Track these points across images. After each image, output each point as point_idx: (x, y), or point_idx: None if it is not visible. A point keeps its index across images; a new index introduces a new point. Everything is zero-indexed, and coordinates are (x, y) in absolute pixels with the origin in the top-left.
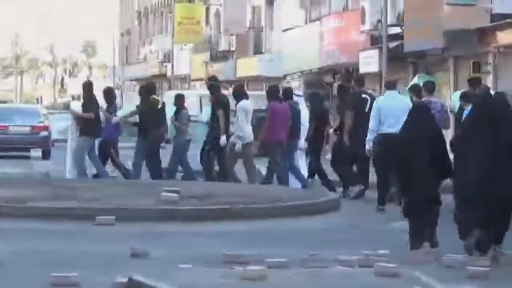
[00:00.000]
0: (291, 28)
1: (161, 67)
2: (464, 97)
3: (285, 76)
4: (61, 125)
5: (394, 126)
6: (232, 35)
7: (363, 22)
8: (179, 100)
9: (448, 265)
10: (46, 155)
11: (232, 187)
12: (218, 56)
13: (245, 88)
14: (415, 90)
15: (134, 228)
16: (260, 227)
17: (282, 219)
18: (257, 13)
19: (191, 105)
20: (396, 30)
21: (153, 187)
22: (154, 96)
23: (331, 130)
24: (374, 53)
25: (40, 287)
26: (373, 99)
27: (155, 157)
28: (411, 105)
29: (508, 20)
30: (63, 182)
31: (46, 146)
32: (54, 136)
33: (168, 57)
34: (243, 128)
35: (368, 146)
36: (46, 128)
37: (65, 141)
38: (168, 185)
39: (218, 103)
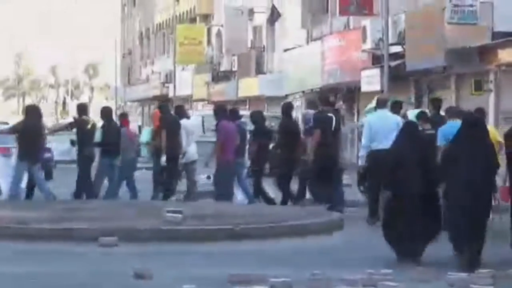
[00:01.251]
0: (292, 48)
1: (162, 88)
2: (421, 117)
3: (287, 96)
4: (63, 146)
5: (383, 142)
6: (233, 55)
7: (364, 41)
8: (121, 119)
9: (451, 284)
10: (48, 176)
11: (234, 208)
12: (220, 77)
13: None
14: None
15: (137, 248)
16: (263, 247)
17: (285, 238)
18: (258, 33)
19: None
20: (398, 49)
21: (156, 208)
22: (85, 117)
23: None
24: (376, 72)
25: None
26: (338, 117)
27: (85, 176)
28: (400, 123)
29: (509, 38)
30: (66, 204)
31: (49, 168)
32: (56, 157)
33: (170, 78)
34: (184, 147)
35: (361, 161)
36: (48, 150)
37: (68, 162)
38: (170, 205)
39: (163, 123)
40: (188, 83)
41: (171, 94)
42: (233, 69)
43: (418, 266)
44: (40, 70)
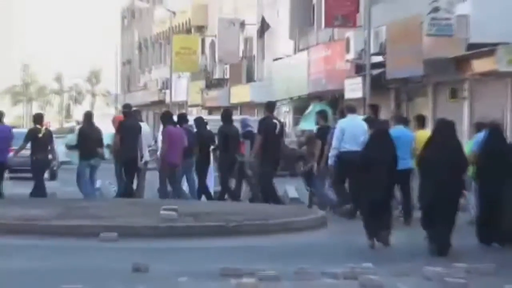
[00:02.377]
0: (281, 58)
1: (160, 94)
2: (366, 122)
3: (275, 102)
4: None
5: (352, 145)
6: (226, 64)
7: (348, 51)
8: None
9: (428, 277)
10: (53, 177)
11: (225, 206)
12: (213, 84)
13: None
14: (322, 114)
15: (135, 244)
16: (253, 242)
17: (273, 235)
18: (249, 43)
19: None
20: (379, 59)
21: (153, 206)
22: (38, 125)
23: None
24: (358, 80)
25: None
26: (282, 124)
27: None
28: (366, 127)
29: (483, 50)
30: (69, 202)
31: (53, 168)
32: (60, 158)
33: (166, 85)
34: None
35: (330, 161)
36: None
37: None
38: (166, 204)
39: (120, 128)
40: (183, 89)
41: (167, 100)
42: (226, 77)
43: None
44: (45, 78)
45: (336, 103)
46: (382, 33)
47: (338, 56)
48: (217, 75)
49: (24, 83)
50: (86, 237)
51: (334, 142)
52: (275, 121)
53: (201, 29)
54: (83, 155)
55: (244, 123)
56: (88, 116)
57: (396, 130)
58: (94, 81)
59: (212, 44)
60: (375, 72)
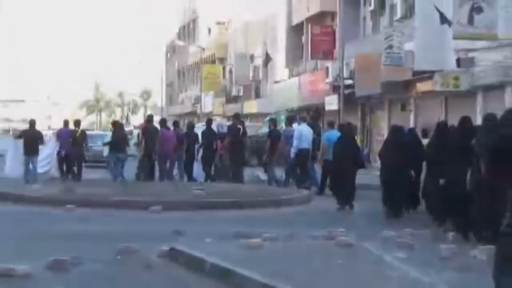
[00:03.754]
0: (279, 81)
1: (192, 107)
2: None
3: (275, 113)
4: None
5: (306, 144)
6: (240, 85)
7: (327, 76)
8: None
9: (385, 239)
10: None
11: (238, 187)
12: (231, 99)
13: (249, 120)
14: (272, 121)
15: (175, 214)
16: (258, 213)
17: (270, 208)
18: (257, 70)
19: None
20: (350, 82)
21: (186, 187)
22: (76, 128)
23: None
24: (335, 97)
25: (111, 254)
26: (244, 128)
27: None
28: (311, 130)
29: (424, 75)
30: (127, 184)
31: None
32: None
33: (197, 100)
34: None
35: (293, 155)
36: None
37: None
38: (195, 185)
39: (144, 131)
40: (210, 104)
41: (198, 111)
42: (240, 95)
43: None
44: (111, 94)
45: (318, 114)
46: (352, 64)
47: (320, 80)
48: (233, 93)
49: (96, 98)
50: (138, 209)
51: (295, 142)
52: (239, 126)
53: (222, 60)
54: (112, 149)
55: (220, 127)
56: (119, 124)
57: (328, 133)
58: (145, 97)
59: (230, 71)
60: (347, 91)
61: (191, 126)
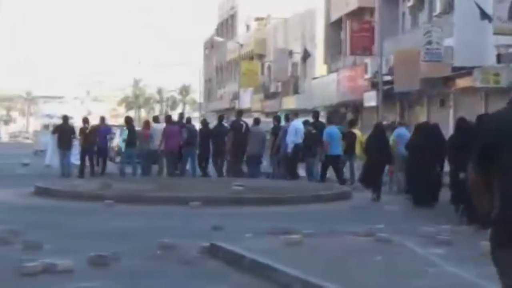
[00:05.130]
0: (318, 77)
1: (231, 103)
2: (306, 123)
3: (313, 109)
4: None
5: (300, 138)
6: (278, 81)
7: (366, 72)
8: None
9: (423, 235)
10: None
11: (278, 183)
12: (269, 96)
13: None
14: (276, 118)
15: (214, 210)
16: (298, 209)
17: (311, 204)
18: (295, 66)
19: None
20: (388, 78)
21: (226, 182)
22: (86, 125)
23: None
24: (373, 93)
25: (151, 249)
26: (247, 124)
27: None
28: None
29: (463, 71)
30: (167, 179)
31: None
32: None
33: (235, 96)
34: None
35: (290, 149)
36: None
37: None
38: (235, 181)
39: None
40: (248, 100)
41: (236, 107)
42: (278, 91)
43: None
44: (150, 91)
45: (357, 110)
46: (390, 60)
47: (359, 76)
48: (272, 89)
49: (135, 95)
50: (178, 204)
51: (292, 138)
52: (242, 122)
53: (261, 56)
54: (128, 145)
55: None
56: (129, 119)
57: (329, 129)
58: (184, 93)
59: (269, 67)
60: (386, 87)
61: (205, 123)
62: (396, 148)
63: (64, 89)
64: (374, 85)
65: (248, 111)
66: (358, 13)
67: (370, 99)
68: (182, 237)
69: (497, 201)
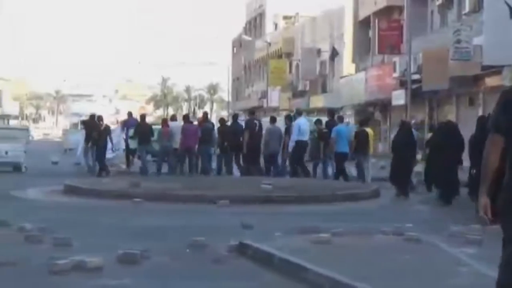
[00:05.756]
0: (346, 76)
1: (259, 102)
2: (317, 122)
3: (342, 107)
4: None
5: (304, 136)
6: (306, 80)
7: (394, 71)
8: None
9: (453, 234)
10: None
11: (305, 181)
12: (297, 94)
13: (315, 115)
14: (288, 118)
15: (243, 208)
16: (326, 208)
17: (340, 202)
18: (323, 65)
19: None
20: (417, 76)
21: (254, 181)
22: (101, 122)
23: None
24: (402, 92)
25: (182, 247)
26: (260, 123)
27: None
28: (309, 124)
29: (493, 70)
30: (194, 178)
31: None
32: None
33: (264, 95)
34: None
35: (291, 147)
36: None
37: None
38: (263, 180)
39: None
40: (276, 98)
41: (264, 106)
42: (306, 89)
43: None
44: (178, 89)
45: (385, 109)
46: (419, 58)
47: (387, 75)
48: (300, 88)
49: (163, 93)
50: (206, 203)
51: (293, 135)
52: (255, 121)
53: (289, 55)
54: (141, 142)
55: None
56: (142, 117)
57: (339, 127)
58: (212, 92)
59: (297, 66)
60: (414, 86)
61: (224, 122)
62: None
63: (93, 88)
64: (402, 84)
65: (276, 109)
66: (386, 12)
67: (399, 98)
68: (211, 235)
69: (508, 171)
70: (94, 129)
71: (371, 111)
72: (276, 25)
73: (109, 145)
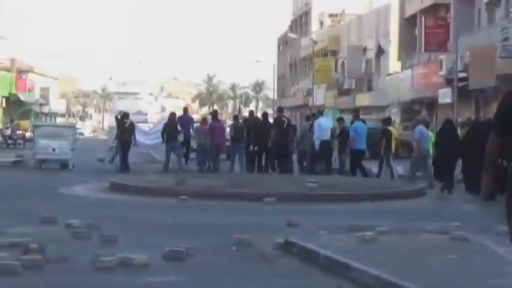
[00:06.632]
0: (391, 74)
1: (304, 100)
2: (339, 120)
3: (388, 106)
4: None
5: (326, 135)
6: (352, 78)
7: (441, 69)
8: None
9: (499, 233)
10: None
11: (351, 180)
12: (343, 92)
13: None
14: (307, 118)
15: (289, 206)
16: (371, 206)
17: (385, 201)
18: (369, 63)
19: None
20: (464, 74)
21: (299, 179)
22: (126, 119)
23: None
24: (448, 90)
25: (228, 245)
26: (289, 120)
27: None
28: (331, 123)
29: None
30: (236, 175)
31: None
32: None
33: (309, 93)
34: None
35: (316, 146)
36: None
37: None
38: (309, 178)
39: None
40: (322, 96)
41: (310, 104)
42: (352, 87)
43: None
44: (224, 87)
45: (431, 107)
46: (466, 56)
47: (434, 73)
48: (346, 86)
49: (208, 91)
50: (251, 201)
51: (317, 134)
52: (284, 119)
53: (334, 53)
54: (168, 140)
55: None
56: (173, 115)
57: (356, 124)
58: (257, 89)
59: (343, 64)
60: (461, 84)
61: (254, 119)
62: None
63: (139, 85)
64: (449, 82)
65: (322, 107)
66: (433, 9)
67: (445, 96)
68: (256, 233)
69: None
70: (119, 126)
71: (417, 109)
72: (322, 23)
73: (156, 130)
